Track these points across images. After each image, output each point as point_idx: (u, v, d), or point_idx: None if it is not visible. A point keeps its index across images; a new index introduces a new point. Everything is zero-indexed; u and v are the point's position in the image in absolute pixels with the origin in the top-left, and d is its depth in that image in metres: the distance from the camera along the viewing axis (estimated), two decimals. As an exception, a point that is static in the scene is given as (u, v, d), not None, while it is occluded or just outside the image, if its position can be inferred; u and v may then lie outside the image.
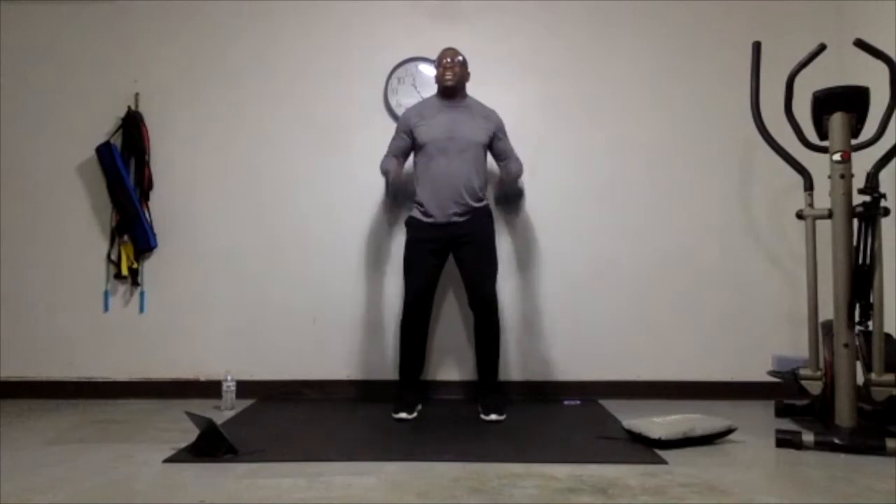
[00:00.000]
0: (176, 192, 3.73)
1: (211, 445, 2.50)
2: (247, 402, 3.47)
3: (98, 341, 3.69)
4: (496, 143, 3.36)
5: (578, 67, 3.77)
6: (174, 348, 3.69)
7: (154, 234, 3.70)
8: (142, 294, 3.72)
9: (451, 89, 3.30)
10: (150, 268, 3.73)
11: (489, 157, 3.40)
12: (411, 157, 3.40)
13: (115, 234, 3.69)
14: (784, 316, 3.67)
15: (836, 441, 2.60)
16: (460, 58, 3.32)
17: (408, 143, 3.33)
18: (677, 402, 3.49)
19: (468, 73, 3.36)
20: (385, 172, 3.32)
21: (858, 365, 2.75)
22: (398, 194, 3.52)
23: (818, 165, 2.92)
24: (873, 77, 2.85)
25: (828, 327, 2.85)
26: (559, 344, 3.68)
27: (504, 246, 3.64)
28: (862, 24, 3.48)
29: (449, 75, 3.28)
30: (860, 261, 2.74)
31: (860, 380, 2.74)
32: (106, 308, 3.71)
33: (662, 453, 2.55)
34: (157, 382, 3.66)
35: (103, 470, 2.36)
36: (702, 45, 3.77)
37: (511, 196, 3.34)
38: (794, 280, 3.66)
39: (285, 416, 3.23)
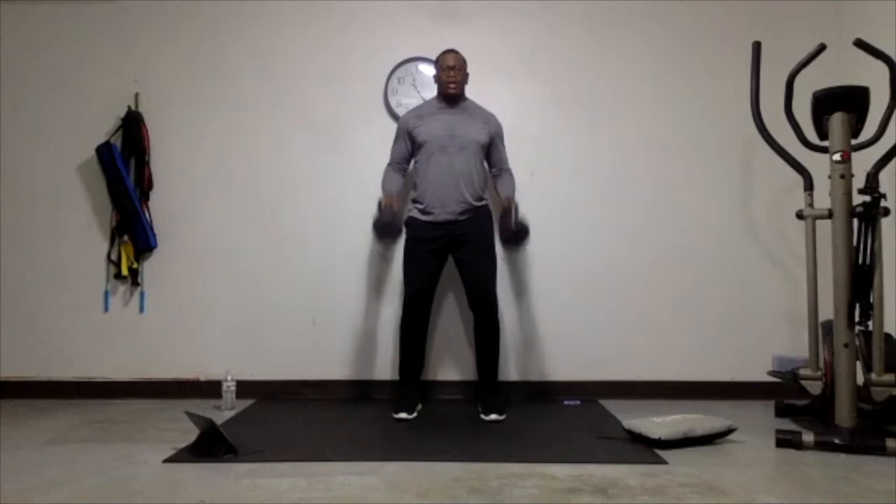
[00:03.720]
0: (176, 192, 3.73)
1: (211, 445, 2.50)
2: (247, 402, 3.47)
3: (98, 341, 3.69)
4: (492, 148, 3.36)
5: (578, 67, 3.77)
6: (174, 348, 3.69)
7: (154, 234, 3.70)
8: (142, 294, 3.72)
9: (454, 97, 3.30)
10: (150, 268, 3.73)
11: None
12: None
13: (115, 234, 3.69)
14: (784, 316, 3.67)
15: (836, 441, 2.60)
16: (463, 63, 3.30)
17: (409, 147, 3.33)
18: (677, 402, 3.49)
19: (468, 75, 3.36)
20: (381, 198, 3.24)
21: (858, 365, 2.75)
22: (384, 228, 3.18)
23: (818, 165, 2.92)
24: (873, 77, 2.85)
25: (828, 327, 2.85)
26: (559, 344, 3.68)
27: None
28: (862, 24, 3.48)
29: (452, 86, 3.28)
30: (860, 261, 2.74)
31: (860, 380, 2.74)
32: (106, 308, 3.71)
33: (662, 453, 2.55)
34: (157, 382, 3.66)
35: (103, 470, 2.36)
36: (702, 44, 3.77)
37: (519, 235, 3.18)
38: (794, 280, 3.66)
39: (285, 416, 3.23)
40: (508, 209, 3.22)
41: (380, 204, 3.26)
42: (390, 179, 3.36)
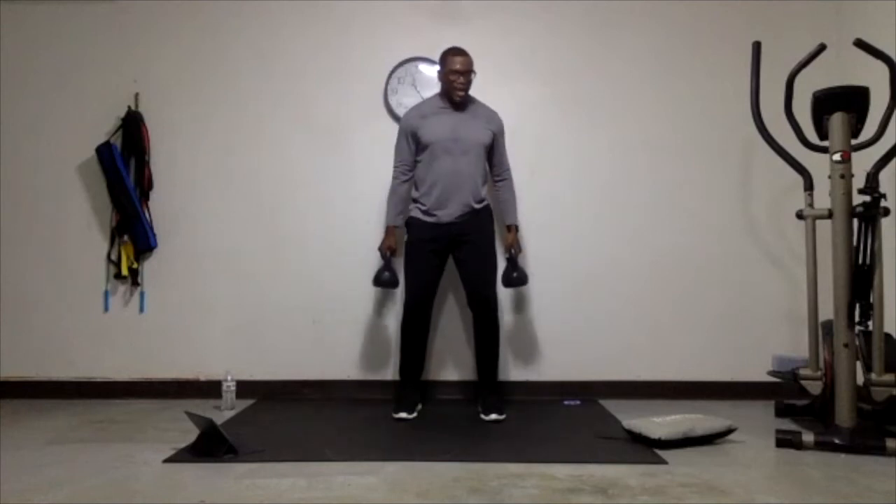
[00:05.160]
0: (176, 192, 3.73)
1: (211, 445, 2.50)
2: (247, 402, 3.47)
3: (98, 341, 3.69)
4: (494, 148, 3.35)
5: (578, 67, 3.77)
6: (174, 348, 3.69)
7: (154, 234, 3.70)
8: (142, 294, 3.72)
9: (461, 103, 3.28)
10: (150, 268, 3.73)
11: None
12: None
13: (115, 234, 3.69)
14: (784, 316, 3.67)
15: (836, 441, 2.60)
16: (471, 65, 3.24)
17: (412, 147, 3.30)
18: (677, 402, 3.49)
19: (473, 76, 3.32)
20: (382, 246, 3.36)
21: (858, 365, 2.75)
22: (387, 284, 3.35)
23: (818, 165, 2.92)
24: (873, 77, 2.85)
25: (828, 327, 2.85)
26: (559, 344, 3.68)
27: (504, 246, 3.64)
28: (862, 24, 3.48)
29: (461, 93, 3.24)
30: (860, 261, 2.74)
31: (860, 380, 2.74)
32: (106, 308, 3.71)
33: (662, 453, 2.55)
34: (157, 382, 3.66)
35: (103, 470, 2.36)
36: (702, 44, 3.77)
37: (519, 283, 3.38)
38: (794, 280, 3.66)
39: (285, 416, 3.23)
40: (510, 255, 3.39)
41: (382, 254, 3.35)
42: (394, 201, 3.35)
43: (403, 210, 3.36)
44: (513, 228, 3.42)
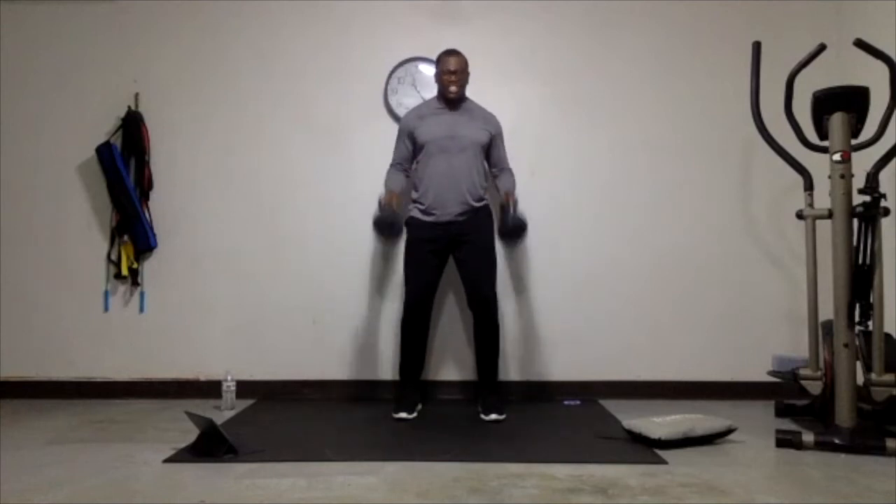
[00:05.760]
0: (176, 192, 3.73)
1: (211, 445, 2.50)
2: (247, 402, 3.47)
3: (98, 341, 3.69)
4: (492, 148, 3.36)
5: (578, 67, 3.77)
6: (174, 348, 3.69)
7: (154, 234, 3.70)
8: (142, 294, 3.72)
9: (455, 100, 3.29)
10: (150, 268, 3.73)
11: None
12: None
13: (115, 234, 3.69)
14: (784, 316, 3.67)
15: (836, 441, 2.60)
16: (464, 65, 3.29)
17: (409, 148, 3.33)
18: (677, 402, 3.49)
19: (469, 75, 3.35)
20: (381, 196, 3.23)
21: (858, 365, 2.75)
22: (384, 226, 3.17)
23: (818, 165, 2.92)
24: (873, 77, 2.85)
25: (828, 327, 2.85)
26: (559, 344, 3.68)
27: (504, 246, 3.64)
28: (862, 24, 3.48)
29: (453, 88, 3.26)
30: (860, 261, 2.74)
31: (860, 380, 2.74)
32: (106, 308, 3.71)
33: (662, 453, 2.55)
34: (157, 382, 3.66)
35: (103, 470, 2.36)
36: (702, 44, 3.77)
37: (515, 230, 3.18)
38: (794, 280, 3.66)
39: (285, 416, 3.23)
40: (506, 204, 3.23)
41: (380, 202, 3.25)
42: (393, 179, 3.35)
43: (403, 185, 3.34)
44: (508, 193, 3.27)
